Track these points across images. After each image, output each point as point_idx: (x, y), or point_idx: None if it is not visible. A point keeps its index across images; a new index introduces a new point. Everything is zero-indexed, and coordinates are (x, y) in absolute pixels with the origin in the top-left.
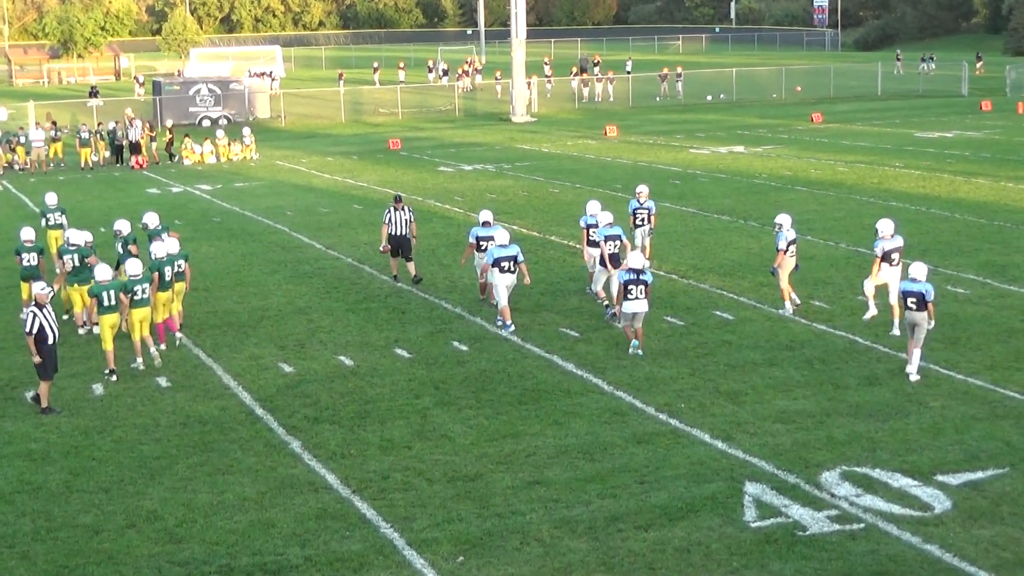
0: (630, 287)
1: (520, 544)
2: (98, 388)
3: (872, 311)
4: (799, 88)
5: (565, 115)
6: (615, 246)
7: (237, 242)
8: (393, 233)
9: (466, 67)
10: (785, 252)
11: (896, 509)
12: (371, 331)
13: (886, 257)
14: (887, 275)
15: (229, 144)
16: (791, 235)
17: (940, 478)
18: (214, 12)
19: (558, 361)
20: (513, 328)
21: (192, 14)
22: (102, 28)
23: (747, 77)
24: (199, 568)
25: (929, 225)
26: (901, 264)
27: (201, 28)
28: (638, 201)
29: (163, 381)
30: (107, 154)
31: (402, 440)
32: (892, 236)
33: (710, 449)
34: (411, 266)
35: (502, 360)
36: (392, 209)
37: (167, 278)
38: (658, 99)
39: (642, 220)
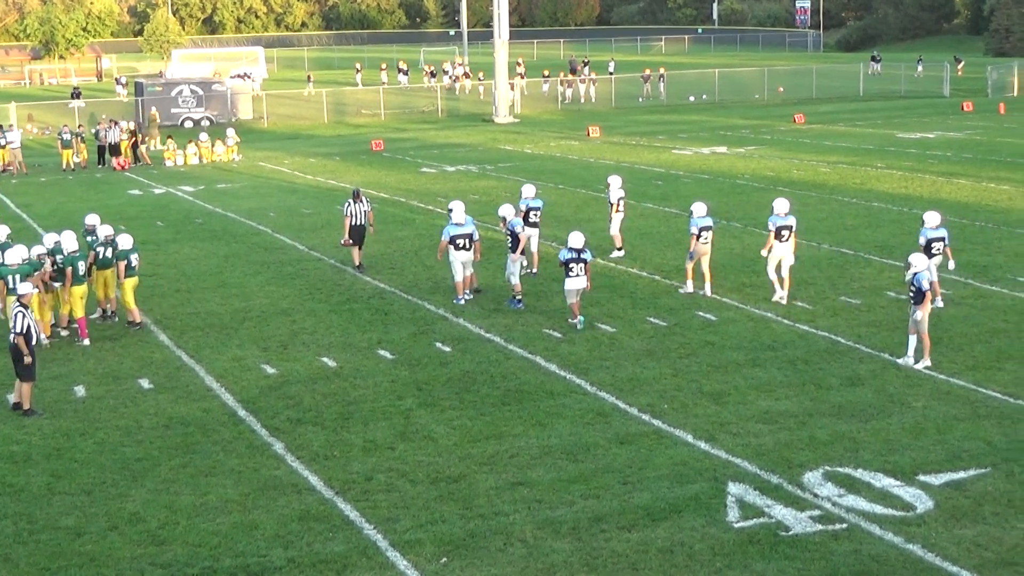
0: (571, 265)
1: (503, 545)
2: (80, 390)
3: (779, 292)
4: (781, 89)
5: (548, 116)
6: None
7: (219, 243)
8: (354, 224)
9: (467, 69)
10: (697, 237)
11: (878, 509)
12: (354, 332)
13: (777, 234)
14: (779, 250)
15: (212, 145)
16: (704, 222)
17: (922, 478)
18: (196, 13)
19: (541, 362)
20: (463, 301)
21: (174, 15)
22: (84, 29)
23: (730, 78)
24: (182, 570)
25: (911, 226)
26: (792, 240)
27: (183, 29)
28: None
29: (145, 383)
30: (88, 156)
31: (385, 441)
32: (786, 215)
33: (693, 450)
34: (358, 254)
35: (485, 361)
36: (352, 202)
37: (80, 272)
38: (641, 100)
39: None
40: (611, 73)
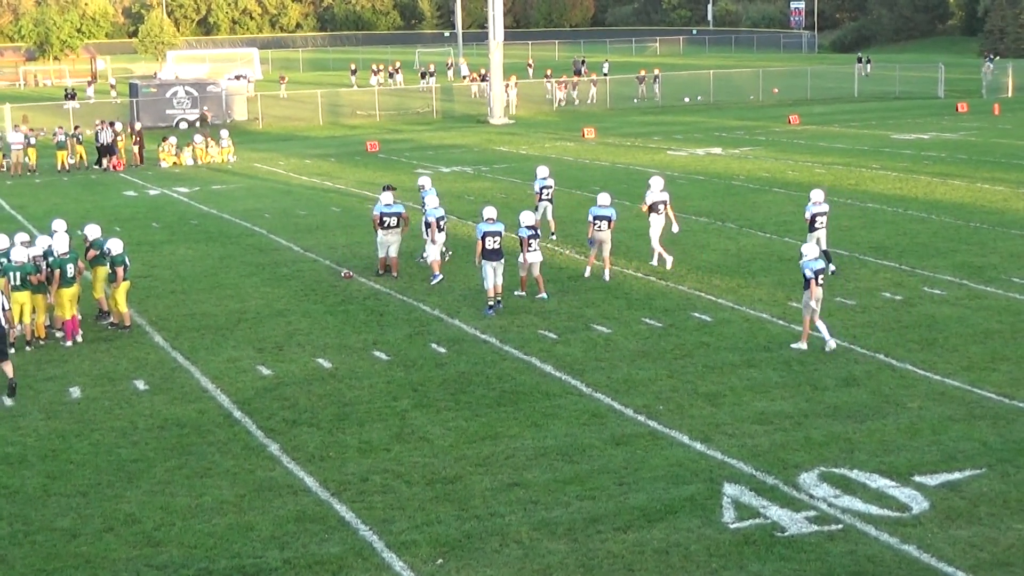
0: (530, 240)
1: (499, 546)
2: (75, 391)
3: (668, 259)
4: (776, 90)
5: (543, 117)
6: (495, 241)
7: (215, 245)
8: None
9: (481, 71)
10: (593, 225)
11: (874, 510)
12: (349, 333)
13: (653, 208)
14: (655, 222)
15: (207, 146)
16: (603, 212)
17: (918, 479)
18: (191, 14)
19: (537, 363)
20: (374, 275)
21: (169, 16)
22: (78, 30)
23: (724, 79)
24: (177, 571)
25: (906, 226)
26: (666, 214)
27: (178, 30)
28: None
29: (140, 384)
30: (86, 157)
31: (381, 442)
32: (662, 191)
33: (688, 450)
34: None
35: (480, 362)
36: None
37: (69, 275)
38: (636, 101)
39: (548, 196)
40: (606, 74)
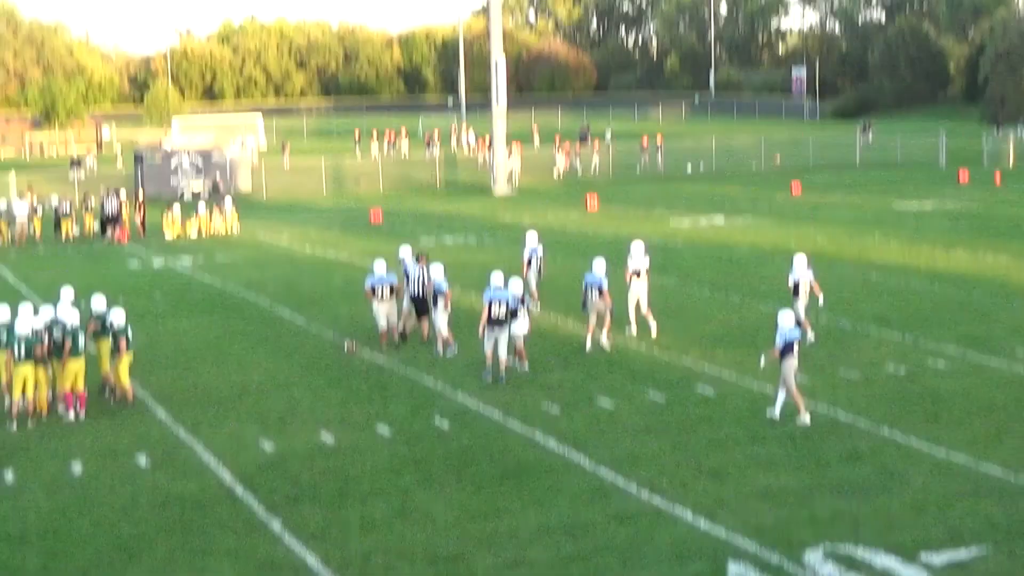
0: (516, 310)
1: None
2: (77, 467)
3: (652, 325)
4: (778, 157)
5: (547, 186)
6: (501, 308)
7: (218, 316)
8: (414, 295)
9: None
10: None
11: None
12: (352, 407)
13: (636, 273)
14: (636, 288)
15: (210, 216)
16: (595, 279)
17: (924, 557)
18: (196, 82)
19: (540, 437)
20: (387, 344)
21: (174, 84)
22: (84, 98)
23: (727, 147)
24: None
25: (909, 297)
26: (646, 279)
27: (183, 98)
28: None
29: (143, 459)
30: (96, 227)
31: (383, 519)
32: (644, 255)
33: (692, 527)
34: (423, 324)
35: (484, 436)
36: (407, 262)
37: (80, 345)
38: (639, 170)
39: (537, 264)
40: (609, 141)
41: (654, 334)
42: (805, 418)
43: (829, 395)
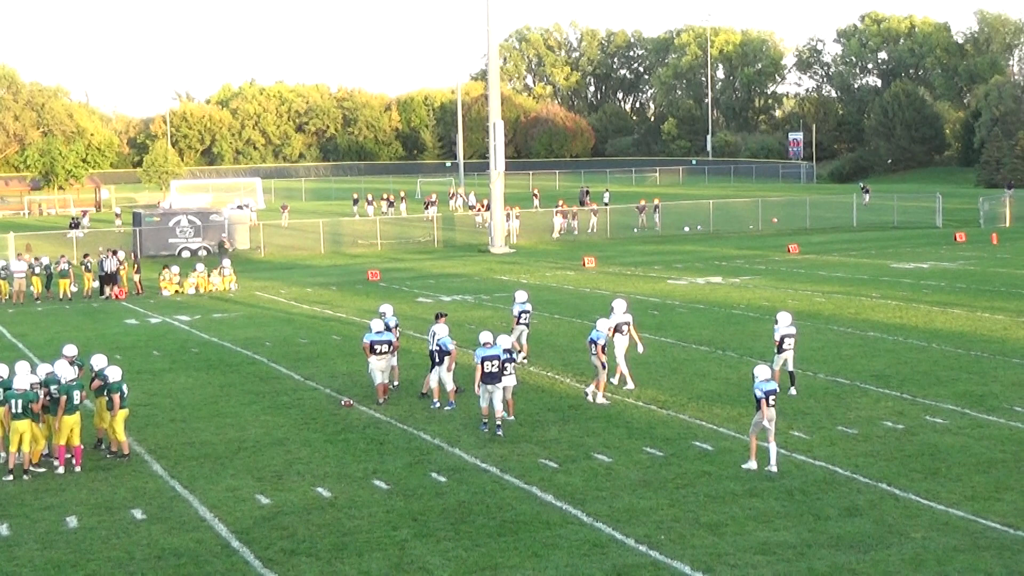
0: (504, 364)
1: None
2: (72, 521)
3: (629, 384)
4: (775, 219)
5: (544, 246)
6: (493, 365)
7: (215, 373)
8: (432, 349)
9: (485, 201)
10: (595, 345)
11: None
12: (349, 462)
13: (618, 328)
14: (619, 343)
15: (208, 275)
16: (599, 336)
17: None
18: (195, 144)
19: (537, 492)
20: (382, 401)
21: (173, 146)
22: (83, 160)
23: (724, 208)
24: None
25: (906, 355)
26: (628, 335)
27: (182, 160)
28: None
29: (138, 513)
30: (95, 284)
31: (380, 573)
32: (624, 312)
33: None
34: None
35: (481, 491)
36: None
37: (75, 401)
38: (636, 230)
39: (525, 320)
40: (606, 204)
41: (629, 387)
42: (751, 464)
43: (827, 450)
